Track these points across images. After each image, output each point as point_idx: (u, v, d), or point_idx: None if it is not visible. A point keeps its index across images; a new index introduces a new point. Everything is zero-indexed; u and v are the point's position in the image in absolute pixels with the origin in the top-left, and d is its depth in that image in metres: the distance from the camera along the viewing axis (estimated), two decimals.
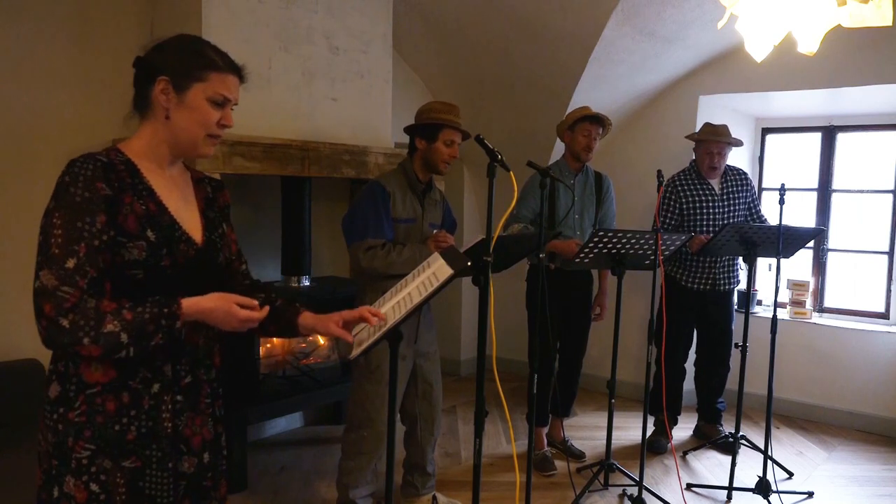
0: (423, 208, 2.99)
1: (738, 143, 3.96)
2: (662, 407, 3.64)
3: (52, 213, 1.38)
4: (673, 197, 3.95)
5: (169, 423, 1.51)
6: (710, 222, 3.90)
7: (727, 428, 4.15)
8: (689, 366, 4.24)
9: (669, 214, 3.96)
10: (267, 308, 1.54)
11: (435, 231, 2.99)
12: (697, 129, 4.05)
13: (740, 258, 3.80)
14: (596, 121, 3.63)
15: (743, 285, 4.19)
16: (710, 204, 3.91)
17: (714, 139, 3.82)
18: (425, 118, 2.94)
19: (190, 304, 1.42)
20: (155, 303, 1.39)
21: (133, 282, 1.43)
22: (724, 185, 3.97)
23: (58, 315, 1.31)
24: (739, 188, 3.98)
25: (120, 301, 1.38)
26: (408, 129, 3.00)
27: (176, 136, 1.51)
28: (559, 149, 4.40)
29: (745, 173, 4.06)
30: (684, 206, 3.93)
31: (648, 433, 3.77)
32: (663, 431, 4.07)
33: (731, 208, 3.95)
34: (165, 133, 1.51)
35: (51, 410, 1.45)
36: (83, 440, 1.43)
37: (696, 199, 3.91)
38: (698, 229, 3.90)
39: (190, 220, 1.57)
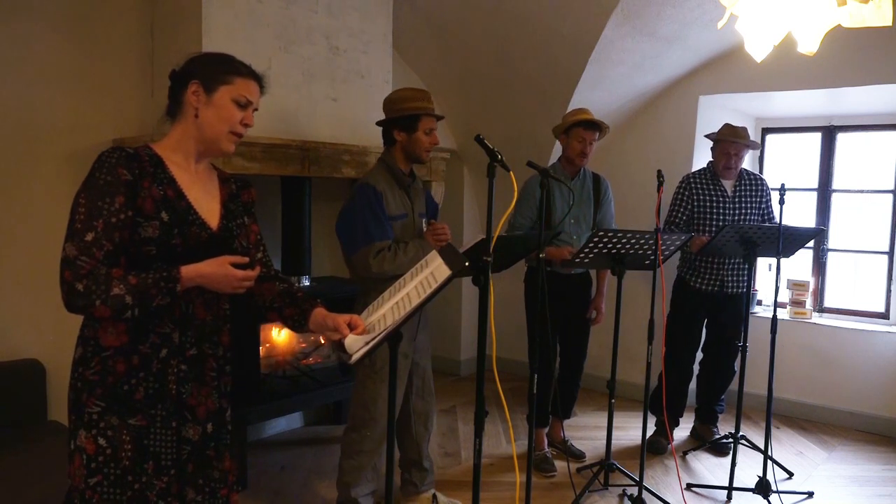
0: (412, 200, 2.95)
1: (756, 147, 3.95)
2: (663, 407, 3.64)
3: (79, 194, 1.57)
4: (686, 193, 3.96)
5: (174, 387, 1.66)
6: (718, 223, 3.88)
7: (723, 429, 4.16)
8: (696, 367, 4.24)
9: (682, 209, 3.97)
10: (258, 268, 1.71)
11: (428, 224, 2.97)
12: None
13: None
14: (591, 127, 3.55)
15: None
16: (720, 205, 3.90)
17: (731, 140, 3.81)
18: (401, 109, 2.85)
19: (189, 269, 1.59)
20: (158, 269, 1.57)
21: (147, 257, 1.60)
22: (738, 187, 3.94)
23: (74, 280, 1.50)
24: (754, 193, 3.95)
25: (128, 270, 1.56)
26: (382, 123, 2.94)
27: (202, 132, 1.70)
28: (559, 149, 4.40)
29: (762, 179, 4.01)
30: (695, 205, 3.93)
31: (649, 433, 3.78)
32: (664, 432, 4.06)
33: (742, 211, 3.92)
34: (193, 130, 1.70)
35: (73, 370, 1.65)
36: (95, 397, 1.60)
37: (707, 198, 3.91)
38: (705, 229, 3.89)
39: (208, 208, 1.73)
